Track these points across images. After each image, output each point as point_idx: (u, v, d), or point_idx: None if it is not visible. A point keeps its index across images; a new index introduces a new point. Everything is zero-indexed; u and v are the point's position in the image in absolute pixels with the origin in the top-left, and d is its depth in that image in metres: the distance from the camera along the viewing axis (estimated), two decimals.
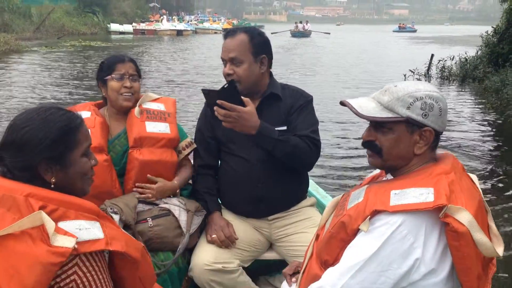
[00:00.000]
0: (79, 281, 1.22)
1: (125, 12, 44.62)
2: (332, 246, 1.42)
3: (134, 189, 2.23)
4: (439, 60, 13.91)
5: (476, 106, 10.20)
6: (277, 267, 2.47)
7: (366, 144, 1.48)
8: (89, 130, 2.06)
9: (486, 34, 12.97)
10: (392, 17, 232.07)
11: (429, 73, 14.07)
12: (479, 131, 7.74)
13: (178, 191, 2.36)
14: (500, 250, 1.31)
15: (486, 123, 8.52)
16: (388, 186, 1.38)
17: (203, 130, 2.36)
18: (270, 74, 2.33)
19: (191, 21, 53.57)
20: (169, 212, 2.22)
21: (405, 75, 13.70)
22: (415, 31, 63.46)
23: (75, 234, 1.23)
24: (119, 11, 43.65)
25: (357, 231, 1.36)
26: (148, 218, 2.17)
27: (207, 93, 2.02)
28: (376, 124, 1.44)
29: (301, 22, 44.26)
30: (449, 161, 1.41)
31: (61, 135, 1.33)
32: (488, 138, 7.39)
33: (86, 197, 1.40)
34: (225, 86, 1.99)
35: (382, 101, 1.42)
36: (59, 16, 32.95)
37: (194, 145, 2.44)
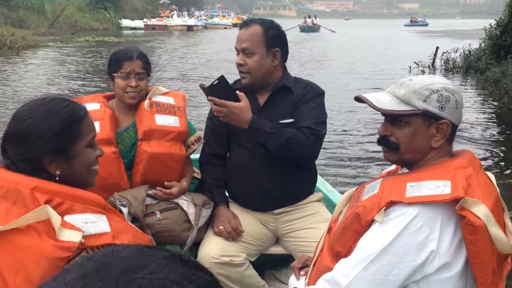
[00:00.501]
0: None
1: (136, 8, 45.25)
2: (345, 237, 1.41)
3: (152, 191, 2.23)
4: (443, 53, 14.27)
5: (478, 96, 10.56)
6: (283, 261, 2.48)
7: (382, 140, 1.47)
8: (98, 121, 2.08)
9: (490, 27, 13.28)
10: (403, 11, 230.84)
11: (434, 65, 14.45)
12: (479, 119, 8.13)
13: None
14: None
15: (484, 111, 8.90)
16: (404, 178, 1.37)
17: (214, 119, 2.33)
18: (284, 68, 2.33)
19: (200, 16, 54.14)
20: (177, 206, 2.24)
21: (410, 67, 14.20)
22: (426, 25, 63.28)
23: (82, 228, 1.22)
24: (130, 7, 44.28)
25: (371, 222, 1.34)
26: (156, 211, 2.18)
27: (203, 88, 2.05)
28: (392, 118, 1.43)
29: (309, 17, 44.03)
30: (467, 156, 1.40)
31: (65, 127, 1.31)
32: (487, 125, 7.76)
33: (93, 189, 1.39)
34: (214, 83, 2.01)
35: (398, 94, 1.41)
36: (71, 12, 33.61)
37: (203, 140, 2.46)
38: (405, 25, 61.45)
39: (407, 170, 1.48)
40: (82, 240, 1.19)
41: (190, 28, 40.80)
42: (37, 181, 1.24)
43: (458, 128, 1.44)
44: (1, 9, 24.74)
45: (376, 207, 1.33)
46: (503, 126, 7.86)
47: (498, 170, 5.58)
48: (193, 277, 0.50)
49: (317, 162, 2.43)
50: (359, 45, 26.05)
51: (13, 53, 17.27)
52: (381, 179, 1.44)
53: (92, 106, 2.15)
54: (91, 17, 35.92)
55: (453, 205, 1.25)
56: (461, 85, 12.13)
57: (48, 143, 1.29)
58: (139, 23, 38.69)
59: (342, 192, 2.26)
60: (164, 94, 2.39)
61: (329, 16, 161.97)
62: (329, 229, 1.59)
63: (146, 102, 2.27)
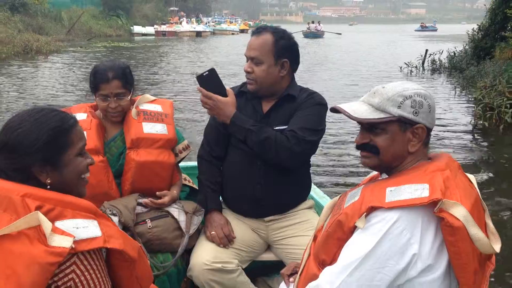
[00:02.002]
0: (77, 280, 1.23)
1: (146, 15, 46.96)
2: (329, 245, 1.42)
3: (143, 201, 2.23)
4: (430, 54, 15.73)
5: (454, 91, 11.97)
6: (275, 268, 2.46)
7: (362, 146, 1.48)
8: (85, 132, 2.03)
9: (472, 31, 14.67)
10: (409, 16, 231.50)
11: (424, 66, 15.89)
12: (456, 118, 9.23)
13: None
14: (497, 247, 1.31)
15: (459, 104, 10.28)
16: (384, 184, 1.39)
17: (216, 119, 2.30)
18: (292, 77, 2.31)
19: (208, 22, 55.78)
20: (168, 214, 2.25)
21: (401, 67, 15.73)
22: (436, 30, 63.62)
23: (73, 233, 1.22)
24: (141, 14, 45.99)
25: (353, 229, 1.36)
26: (147, 220, 2.18)
27: (196, 78, 2.11)
28: (369, 126, 1.45)
29: (313, 23, 43.72)
30: (444, 159, 1.42)
31: (54, 136, 1.33)
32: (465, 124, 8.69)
33: (83, 198, 1.39)
34: (204, 74, 2.08)
35: (373, 103, 1.44)
36: (86, 19, 35.24)
37: (191, 149, 2.47)
38: (416, 30, 61.71)
39: (387, 176, 1.50)
40: (73, 246, 1.19)
41: (199, 34, 42.40)
42: (28, 188, 1.25)
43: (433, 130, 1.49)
44: (21, 17, 26.31)
45: (357, 213, 1.34)
46: (480, 122, 8.39)
47: (478, 170, 5.90)
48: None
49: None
50: (360, 49, 27.32)
51: (41, 57, 18.99)
52: (362, 186, 1.46)
53: (79, 116, 2.16)
54: (104, 24, 37.47)
55: (432, 208, 1.27)
56: (444, 83, 13.51)
57: (37, 152, 1.30)
58: (150, 30, 40.23)
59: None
60: (151, 101, 2.40)
61: (334, 22, 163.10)
62: (315, 238, 1.61)
63: (133, 110, 2.28)
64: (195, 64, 17.98)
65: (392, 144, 1.43)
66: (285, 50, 2.21)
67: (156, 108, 2.37)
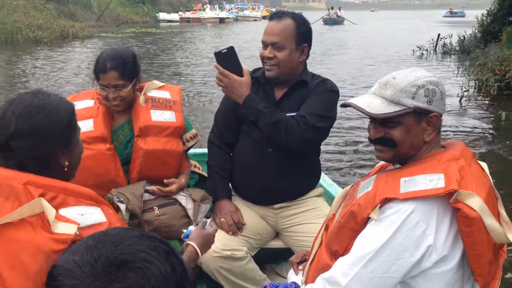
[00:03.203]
0: None
1: (171, 1, 48.29)
2: (342, 236, 1.41)
3: (150, 188, 2.22)
4: (441, 38, 16.62)
5: (457, 71, 12.92)
6: (283, 255, 2.48)
7: (377, 140, 1.45)
8: (92, 119, 2.16)
9: (481, 16, 15.48)
10: (435, 2, 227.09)
11: (436, 49, 16.80)
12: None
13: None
14: (511, 236, 1.30)
15: (455, 82, 11.14)
16: (398, 174, 1.37)
17: (227, 105, 2.33)
18: (305, 64, 2.31)
19: (231, 9, 56.65)
20: (175, 201, 2.24)
21: (413, 50, 16.61)
22: (464, 15, 61.35)
23: (77, 220, 1.22)
24: (166, 1, 47.31)
25: (367, 220, 1.34)
26: (154, 207, 2.18)
27: (214, 54, 2.10)
28: (383, 120, 1.41)
29: (332, 8, 42.70)
30: (458, 148, 1.41)
31: (69, 119, 1.37)
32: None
33: (91, 186, 1.39)
34: (223, 51, 2.07)
35: (385, 95, 1.41)
36: (114, 6, 36.62)
37: (199, 137, 2.44)
38: (444, 16, 60.25)
39: (399, 166, 1.48)
40: (77, 232, 1.18)
41: (222, 20, 43.38)
42: (30, 176, 1.24)
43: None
44: (54, 4, 27.75)
45: (371, 204, 1.33)
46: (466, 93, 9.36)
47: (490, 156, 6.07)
48: (156, 247, 0.83)
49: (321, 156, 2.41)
50: (381, 35, 27.93)
51: (77, 42, 20.50)
52: (375, 176, 1.44)
53: (86, 103, 2.17)
54: (131, 11, 38.66)
55: (447, 198, 1.25)
56: (454, 65, 14.38)
57: (61, 135, 1.33)
58: (174, 16, 41.41)
59: (342, 186, 2.45)
60: (159, 88, 2.37)
61: (357, 8, 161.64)
62: (326, 227, 1.59)
63: (141, 97, 2.26)
64: (217, 49, 19.05)
65: (408, 135, 1.40)
66: (306, 35, 2.24)
67: (165, 94, 2.35)
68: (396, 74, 1.43)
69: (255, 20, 50.21)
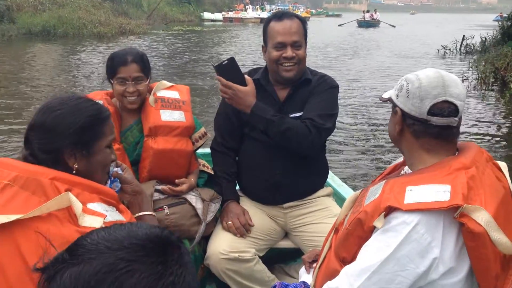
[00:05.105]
0: None
1: (215, 2, 50.74)
2: (349, 243, 1.41)
3: (161, 187, 2.25)
4: (463, 39, 18.16)
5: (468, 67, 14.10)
6: (292, 255, 2.53)
7: None
8: None
9: (502, 19, 16.80)
10: (480, 6, 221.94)
11: (460, 49, 18.30)
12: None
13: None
14: None
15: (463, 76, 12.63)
16: (405, 181, 1.35)
17: (229, 110, 2.32)
18: None
19: (272, 10, 58.48)
20: (185, 201, 2.27)
21: (438, 50, 18.27)
22: None
23: (104, 213, 1.28)
24: (210, 1, 49.76)
25: (373, 227, 1.33)
26: (164, 206, 2.21)
27: (214, 67, 2.08)
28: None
29: (368, 11, 42.25)
30: (470, 153, 1.37)
31: (90, 123, 1.39)
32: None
33: None
34: (224, 63, 2.04)
35: None
36: (162, 6, 39.04)
37: (208, 136, 2.46)
38: (494, 20, 60.13)
39: (409, 170, 1.48)
40: (103, 225, 1.21)
41: (262, 20, 44.40)
42: (56, 172, 1.30)
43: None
44: (109, 3, 30.25)
45: (377, 212, 1.32)
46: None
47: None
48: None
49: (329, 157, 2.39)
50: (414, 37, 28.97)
51: (134, 37, 22.93)
52: (383, 182, 1.42)
53: None
54: (177, 10, 40.81)
55: (453, 212, 1.23)
56: (474, 63, 15.70)
57: (72, 135, 1.36)
58: (218, 16, 43.69)
59: (352, 187, 2.52)
60: (168, 88, 2.39)
61: (399, 11, 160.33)
62: (336, 230, 1.59)
63: (151, 97, 2.29)
64: (258, 45, 20.96)
65: (389, 123, 1.50)
66: (306, 32, 2.28)
67: (174, 95, 2.37)
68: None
69: None
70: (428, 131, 1.37)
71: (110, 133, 1.48)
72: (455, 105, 1.34)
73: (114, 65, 2.22)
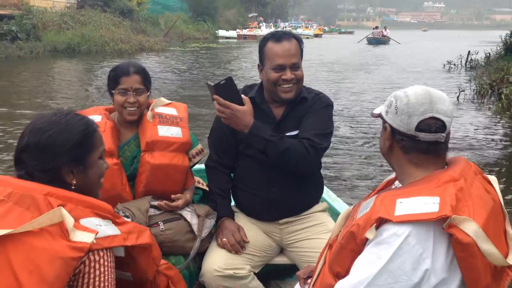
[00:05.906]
0: (92, 275, 1.28)
1: (229, 20, 52.09)
2: (343, 257, 1.42)
3: (156, 203, 2.26)
4: (467, 54, 18.90)
5: (468, 82, 14.49)
6: (288, 271, 2.52)
7: None
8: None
9: (506, 35, 17.51)
10: (494, 22, 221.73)
11: (466, 64, 19.01)
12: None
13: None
14: (510, 258, 1.29)
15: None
16: (395, 194, 1.37)
17: (225, 130, 2.30)
18: None
19: (285, 27, 59.68)
20: (180, 217, 2.28)
21: (444, 65, 18.96)
22: None
23: (96, 229, 1.30)
24: (224, 19, 51.11)
25: (366, 240, 1.34)
26: (159, 222, 2.22)
27: (209, 86, 2.05)
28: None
29: (377, 28, 41.15)
30: (459, 166, 1.39)
31: (83, 138, 1.42)
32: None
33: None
34: (221, 82, 2.02)
35: None
36: (178, 24, 40.33)
37: (205, 153, 2.48)
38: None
39: (400, 185, 1.50)
40: (94, 241, 1.25)
41: None
42: (50, 188, 1.31)
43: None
44: (128, 22, 31.52)
45: (369, 224, 1.33)
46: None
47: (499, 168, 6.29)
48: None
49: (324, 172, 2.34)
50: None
51: (153, 53, 24.11)
52: (375, 196, 1.44)
53: (93, 118, 2.18)
54: (193, 28, 41.92)
55: (442, 222, 1.25)
56: (473, 76, 16.41)
57: (67, 153, 1.38)
58: (232, 33, 44.96)
59: (346, 202, 2.60)
60: (167, 105, 2.42)
61: (413, 27, 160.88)
62: (330, 246, 1.60)
63: (149, 113, 2.31)
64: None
65: (380, 139, 1.52)
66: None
67: (171, 111, 2.39)
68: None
69: (307, 38, 52.58)
70: (416, 147, 1.40)
71: (100, 144, 1.51)
72: (442, 121, 1.37)
73: (116, 76, 2.28)
